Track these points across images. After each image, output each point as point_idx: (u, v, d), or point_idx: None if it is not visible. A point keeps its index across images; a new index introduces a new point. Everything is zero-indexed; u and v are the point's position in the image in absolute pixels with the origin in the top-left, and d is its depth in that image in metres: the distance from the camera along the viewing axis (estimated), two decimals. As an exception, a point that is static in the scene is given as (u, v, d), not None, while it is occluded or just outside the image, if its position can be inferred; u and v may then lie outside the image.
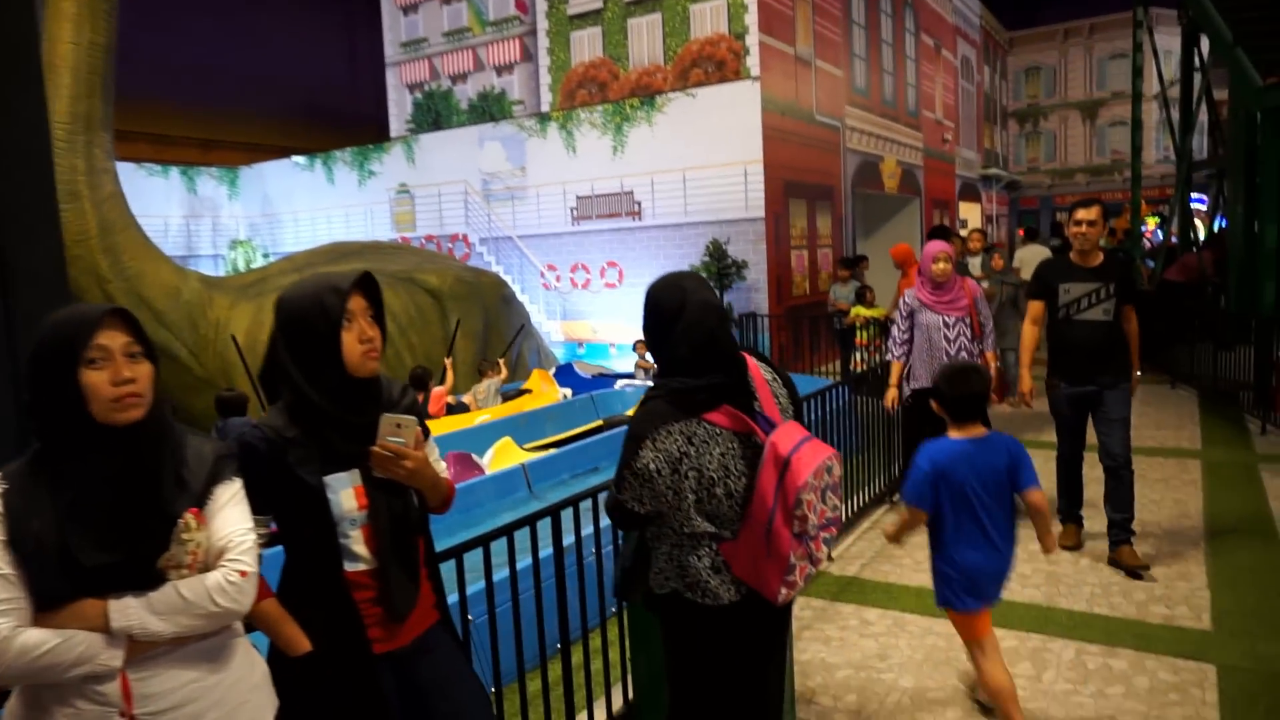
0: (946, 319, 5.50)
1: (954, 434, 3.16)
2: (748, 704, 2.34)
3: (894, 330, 5.76)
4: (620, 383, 10.31)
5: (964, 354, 5.45)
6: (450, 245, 15.74)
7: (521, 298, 14.85)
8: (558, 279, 14.59)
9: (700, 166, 12.87)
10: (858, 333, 10.47)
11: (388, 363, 10.34)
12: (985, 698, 3.45)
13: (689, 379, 2.17)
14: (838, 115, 15.06)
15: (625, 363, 13.50)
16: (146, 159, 18.51)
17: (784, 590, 2.15)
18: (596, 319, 14.19)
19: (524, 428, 8.57)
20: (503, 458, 7.16)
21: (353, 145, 17.04)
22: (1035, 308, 5.01)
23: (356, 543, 2.06)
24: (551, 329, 14.74)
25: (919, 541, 5.50)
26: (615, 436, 7.66)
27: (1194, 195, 16.54)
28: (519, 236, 14.93)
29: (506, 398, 9.99)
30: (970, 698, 3.63)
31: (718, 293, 12.68)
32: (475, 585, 3.19)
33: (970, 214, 22.94)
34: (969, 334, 5.53)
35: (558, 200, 14.43)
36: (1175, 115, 14.11)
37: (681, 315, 2.19)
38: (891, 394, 5.76)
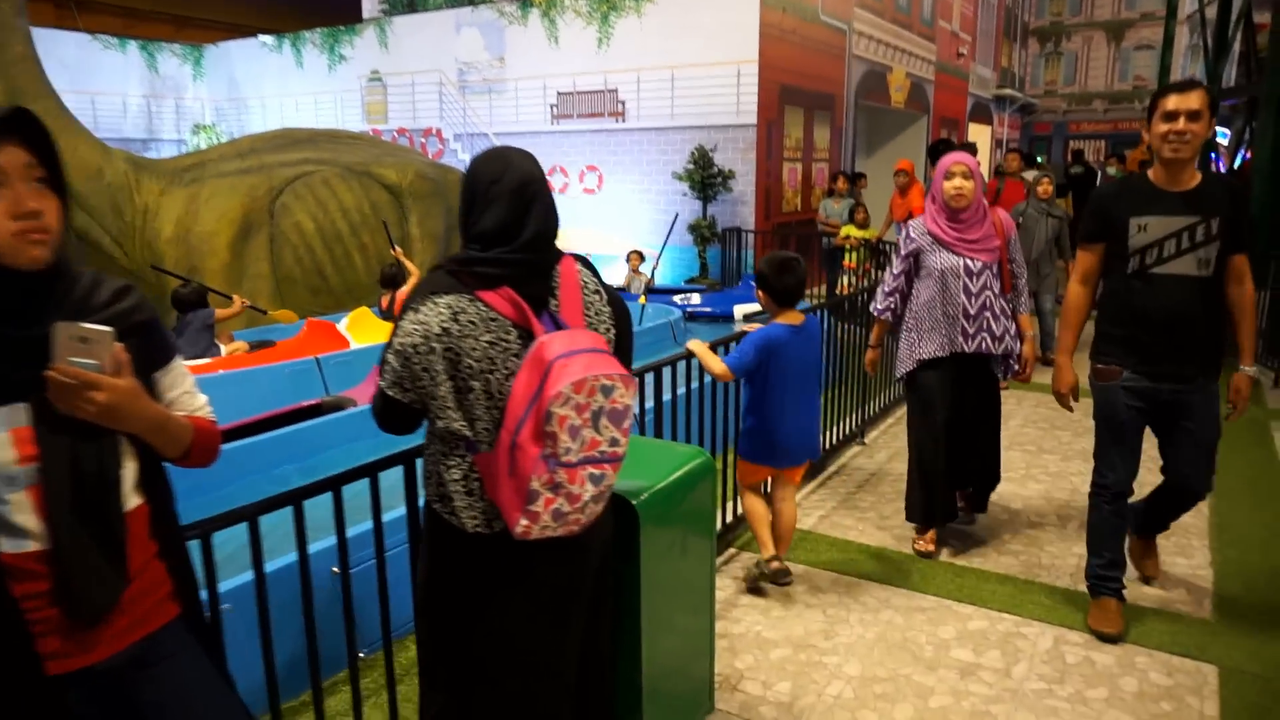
0: (970, 263, 3.94)
1: (779, 320, 3.65)
2: (525, 670, 2.05)
3: (885, 273, 4.40)
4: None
5: (989, 315, 3.96)
6: (423, 140, 14.74)
7: (496, 200, 13.98)
8: (534, 182, 13.69)
9: (690, 65, 11.85)
10: (846, 254, 9.72)
11: (336, 264, 9.59)
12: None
13: (477, 251, 1.94)
14: (845, 17, 13.89)
15: (611, 274, 12.75)
16: (115, 33, 17.24)
17: (524, 522, 1.85)
18: (573, 227, 13.35)
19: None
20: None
21: (324, 26, 15.81)
22: (1088, 259, 3.40)
23: (18, 511, 1.44)
24: (526, 235, 13.92)
25: (888, 492, 5.04)
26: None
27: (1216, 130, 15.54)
28: (495, 134, 13.94)
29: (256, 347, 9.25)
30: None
31: (700, 205, 11.96)
32: (359, 527, 2.69)
33: (980, 136, 21.79)
34: (997, 287, 4.00)
35: (537, 96, 13.40)
36: (1208, 39, 13.03)
37: (495, 185, 1.95)
38: (871, 355, 4.59)
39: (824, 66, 13.26)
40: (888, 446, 5.87)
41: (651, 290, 10.01)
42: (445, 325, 1.84)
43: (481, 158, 2.02)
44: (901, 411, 6.57)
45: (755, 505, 3.86)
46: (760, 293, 3.65)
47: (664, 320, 8.26)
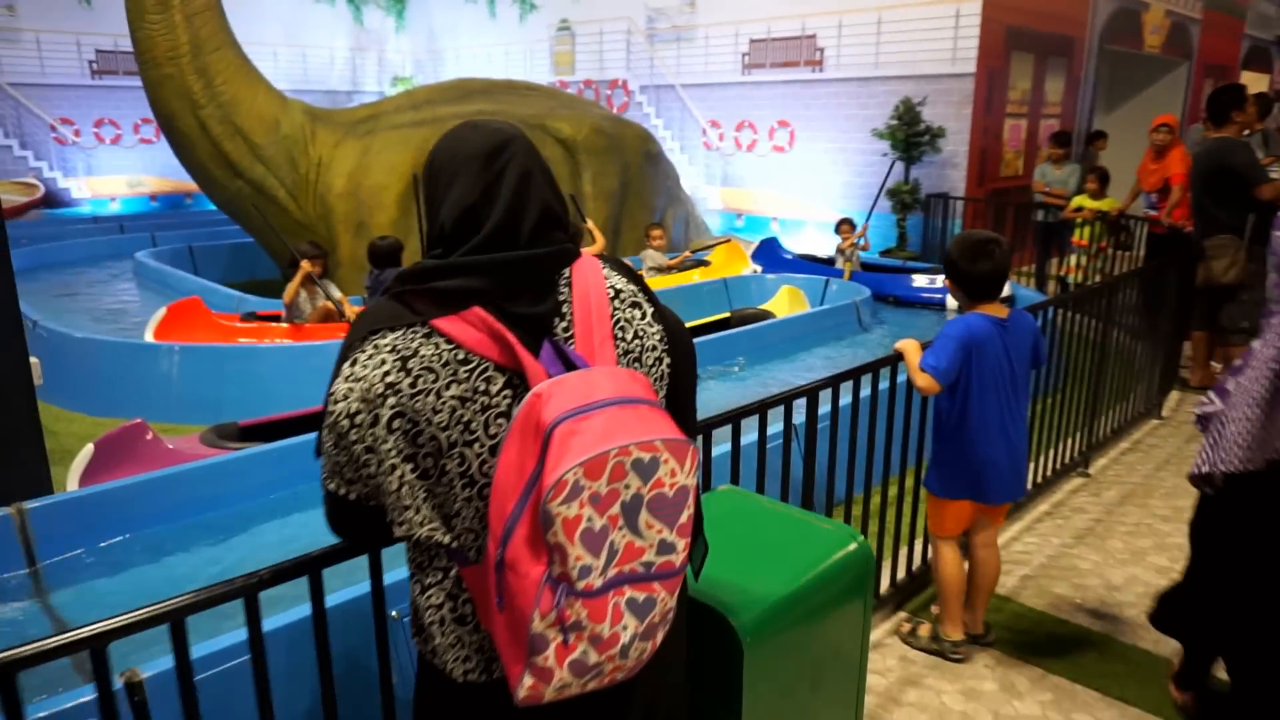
0: None
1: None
2: None
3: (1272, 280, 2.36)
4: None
5: None
6: (609, 93, 14.16)
7: (680, 158, 13.20)
8: (720, 138, 12.76)
9: (901, 4, 10.43)
10: (1076, 230, 8.17)
11: (505, 220, 9.20)
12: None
13: (436, 260, 1.31)
14: (1095, -53, 11.82)
15: (801, 242, 11.76)
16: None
17: (528, 682, 1.18)
18: (760, 187, 12.36)
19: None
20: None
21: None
22: None
23: None
24: (708, 195, 13.06)
25: (1119, 552, 3.85)
26: (731, 338, 6.16)
27: None
28: (682, 85, 13.11)
29: (684, 269, 8.86)
30: None
31: (902, 167, 10.55)
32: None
33: (1255, 86, 18.43)
34: None
35: (728, 44, 12.40)
36: None
37: (456, 158, 1.34)
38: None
39: (1063, 4, 11.35)
40: (1120, 482, 4.64)
41: (865, 268, 8.85)
42: (391, 380, 1.22)
43: (460, 126, 1.41)
44: (1143, 436, 5.26)
45: (951, 565, 3.06)
46: (949, 283, 2.95)
47: (848, 301, 7.21)
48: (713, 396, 5.40)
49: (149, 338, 6.14)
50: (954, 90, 10.20)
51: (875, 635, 3.26)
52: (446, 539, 1.27)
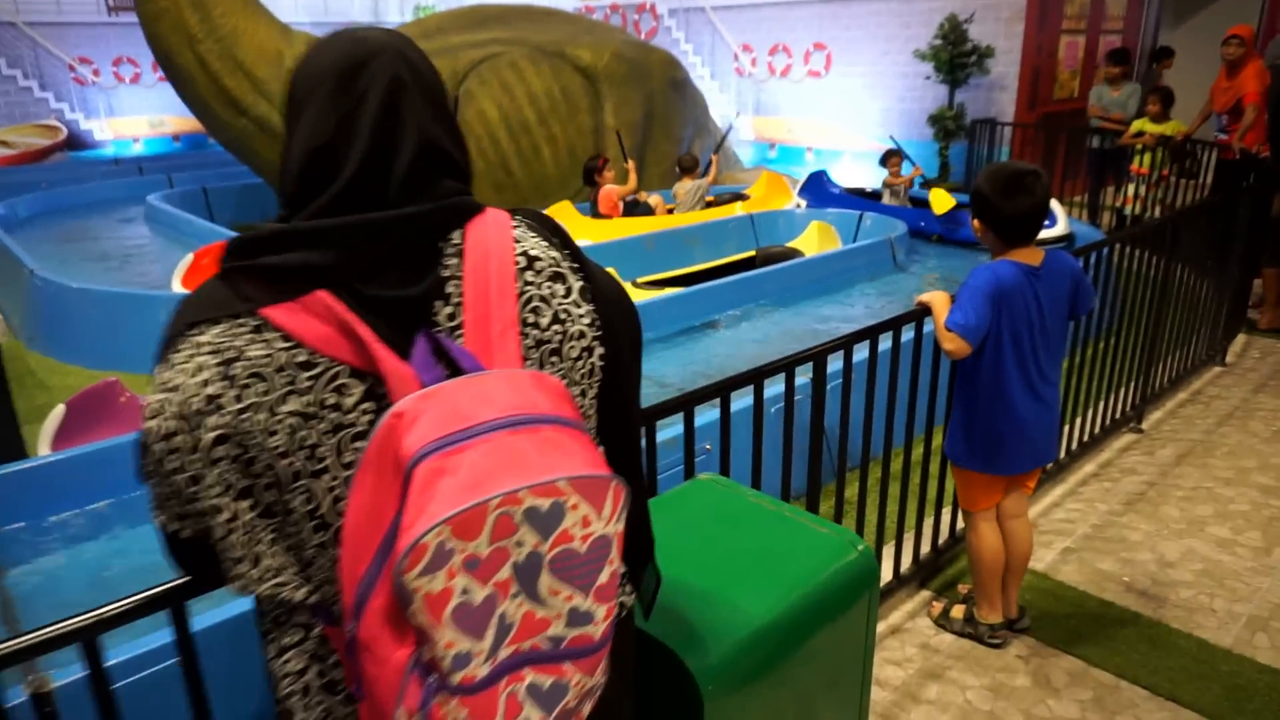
0: None
1: (1008, 258, 2.45)
2: None
3: None
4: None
5: None
6: (636, 17, 13.47)
7: (710, 85, 12.56)
8: (753, 63, 12.09)
9: (948, -89, 9.61)
10: (1135, 157, 7.52)
11: (522, 157, 8.79)
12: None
13: (274, 225, 0.95)
14: None
15: (841, 173, 11.18)
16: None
17: None
18: (794, 115, 11.72)
19: (663, 250, 6.83)
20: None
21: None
22: None
23: None
24: (741, 125, 12.44)
25: (1174, 520, 3.49)
26: (754, 280, 5.76)
27: None
28: (712, 7, 12.39)
29: (720, 202, 8.42)
30: None
31: (947, 91, 9.83)
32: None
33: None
34: None
35: (761, -40, 11.65)
36: None
37: (312, 84, 0.99)
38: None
39: (1129, -93, 10.40)
40: (1178, 439, 4.21)
41: (912, 204, 8.05)
42: (211, 392, 0.92)
43: (326, 38, 1.06)
44: (1204, 385, 4.79)
45: (989, 542, 2.70)
46: (977, 223, 2.49)
47: (882, 237, 6.72)
48: (729, 348, 5.04)
49: (176, 286, 5.86)
50: (1004, 5, 9.43)
51: (895, 618, 2.93)
52: (300, 594, 0.96)
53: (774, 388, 2.46)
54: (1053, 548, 3.31)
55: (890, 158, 8.15)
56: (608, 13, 13.84)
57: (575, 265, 1.07)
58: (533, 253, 1.03)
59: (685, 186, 8.27)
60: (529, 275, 1.02)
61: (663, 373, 4.59)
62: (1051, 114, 9.99)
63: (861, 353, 2.65)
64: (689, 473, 2.12)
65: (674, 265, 6.66)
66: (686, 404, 2.10)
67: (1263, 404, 4.57)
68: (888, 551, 3.07)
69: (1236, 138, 6.44)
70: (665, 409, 2.04)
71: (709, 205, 8.47)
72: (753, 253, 6.87)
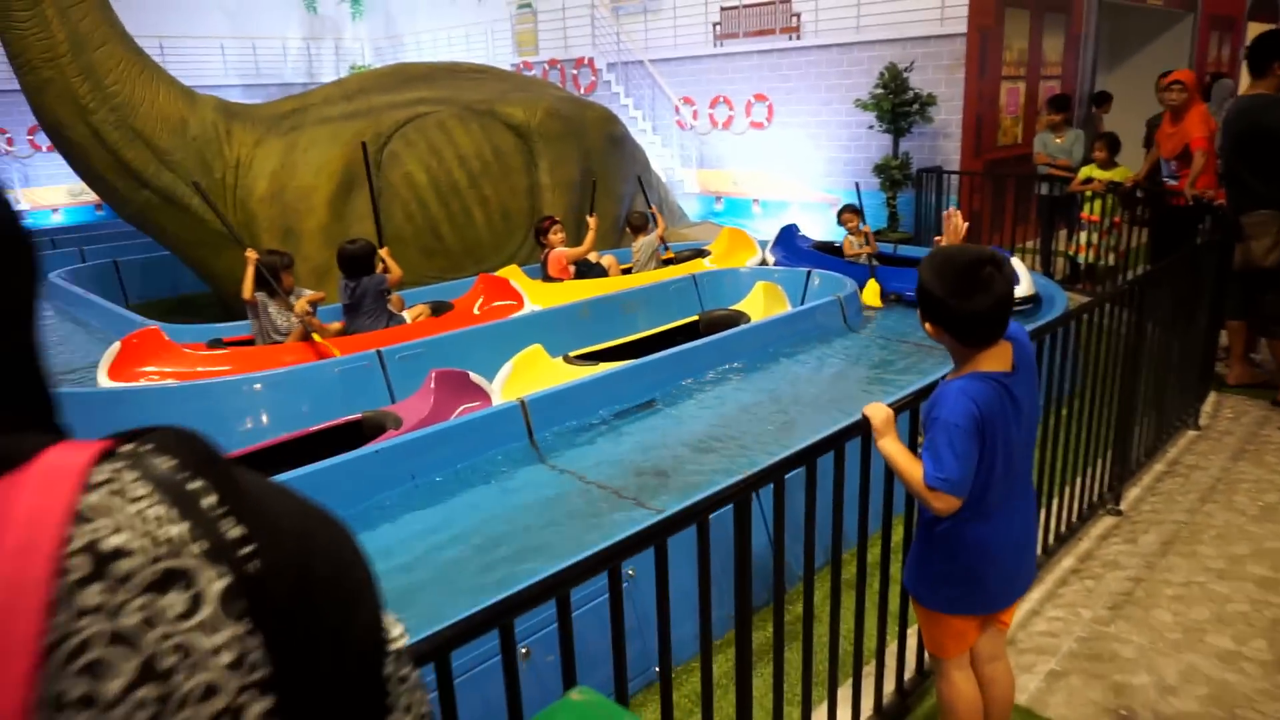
0: None
1: (972, 369, 2.02)
2: None
3: None
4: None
5: None
6: (575, 71, 13.23)
7: (652, 139, 12.29)
8: (695, 116, 11.86)
9: (882, -39, 9.49)
10: (1085, 204, 7.29)
11: (453, 220, 8.34)
12: None
13: None
14: (1092, -111, 10.84)
15: (807, 227, 10.89)
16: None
17: None
18: (738, 167, 11.47)
19: (600, 317, 6.39)
20: (524, 378, 5.02)
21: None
22: None
23: None
24: (685, 178, 12.17)
25: (1168, 628, 3.12)
26: (695, 352, 5.31)
27: None
28: (651, 60, 12.18)
29: (680, 260, 8.18)
30: None
31: (890, 139, 9.65)
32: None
33: (1260, 38, 17.40)
34: None
35: (698, 14, 11.47)
36: None
37: None
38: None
39: (1060, -45, 10.40)
40: (1160, 521, 3.80)
41: (882, 261, 7.56)
42: None
43: None
44: (1180, 454, 4.41)
45: (964, 693, 2.26)
46: (929, 326, 2.06)
47: (830, 297, 6.34)
48: (664, 434, 4.57)
49: (102, 379, 5.25)
50: (944, 53, 9.29)
51: (857, 784, 2.44)
52: None
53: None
54: (1036, 672, 2.85)
55: (845, 213, 7.72)
56: (545, 68, 13.59)
57: (220, 543, 0.57)
58: (112, 544, 0.54)
59: (639, 244, 7.93)
60: (93, 592, 0.52)
61: (587, 467, 4.09)
62: (997, 160, 9.83)
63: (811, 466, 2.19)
64: (570, 680, 1.62)
65: (612, 334, 6.21)
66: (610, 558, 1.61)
67: (1244, 474, 4.20)
68: (843, 695, 2.58)
69: (1187, 184, 6.21)
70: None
71: (667, 263, 8.11)
72: (695, 317, 6.45)
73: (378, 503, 3.73)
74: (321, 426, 4.47)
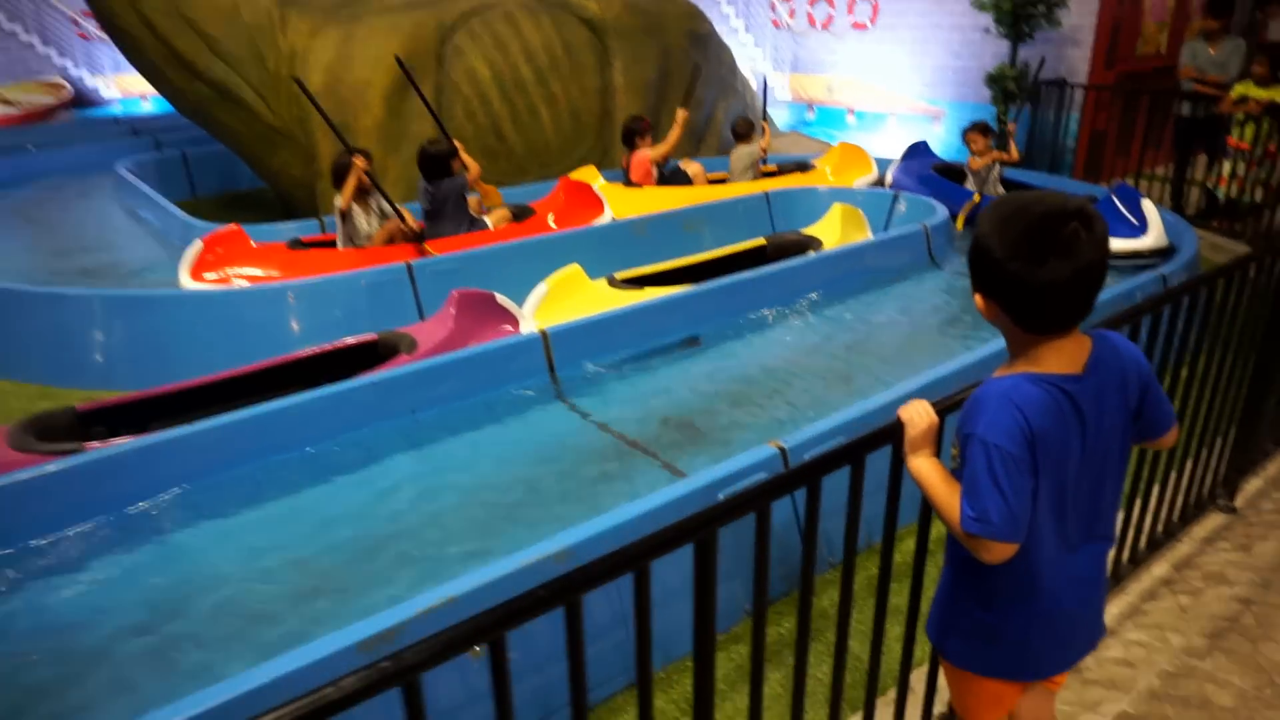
0: None
1: (1026, 367, 1.46)
2: None
3: None
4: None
5: None
6: (667, -37, 12.23)
7: (744, 39, 11.35)
8: (791, 13, 10.84)
9: None
10: (1235, 128, 6.25)
11: (518, 120, 7.83)
12: None
13: None
14: None
15: (885, 143, 9.98)
16: None
17: None
18: (836, 72, 10.49)
19: (659, 235, 5.89)
20: (559, 301, 4.58)
21: None
22: None
23: None
24: (779, 83, 11.24)
25: None
26: (753, 284, 4.75)
27: None
28: (747, -49, 11.15)
29: (784, 173, 7.57)
30: None
31: (1009, 46, 8.49)
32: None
33: None
34: None
35: (803, -104, 10.35)
36: None
37: None
38: None
39: None
40: (1287, 526, 3.14)
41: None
42: None
43: None
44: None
45: None
46: (980, 296, 1.50)
47: (914, 227, 5.62)
48: (700, 379, 4.07)
49: (184, 279, 5.13)
50: (1081, -57, 8.05)
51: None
52: None
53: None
54: (1102, 713, 2.33)
55: (970, 132, 6.71)
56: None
57: None
58: None
59: (739, 153, 7.33)
60: None
61: (610, 412, 3.66)
62: (1133, 74, 8.61)
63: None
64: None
65: (670, 254, 5.69)
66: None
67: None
68: (857, 732, 2.13)
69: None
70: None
71: (767, 175, 7.47)
72: (762, 241, 5.84)
73: (366, 437, 3.40)
74: (334, 345, 4.16)
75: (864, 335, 4.50)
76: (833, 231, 5.80)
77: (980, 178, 6.70)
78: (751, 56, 11.23)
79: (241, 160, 7.76)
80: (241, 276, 5.17)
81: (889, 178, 7.28)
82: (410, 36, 7.32)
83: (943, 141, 9.54)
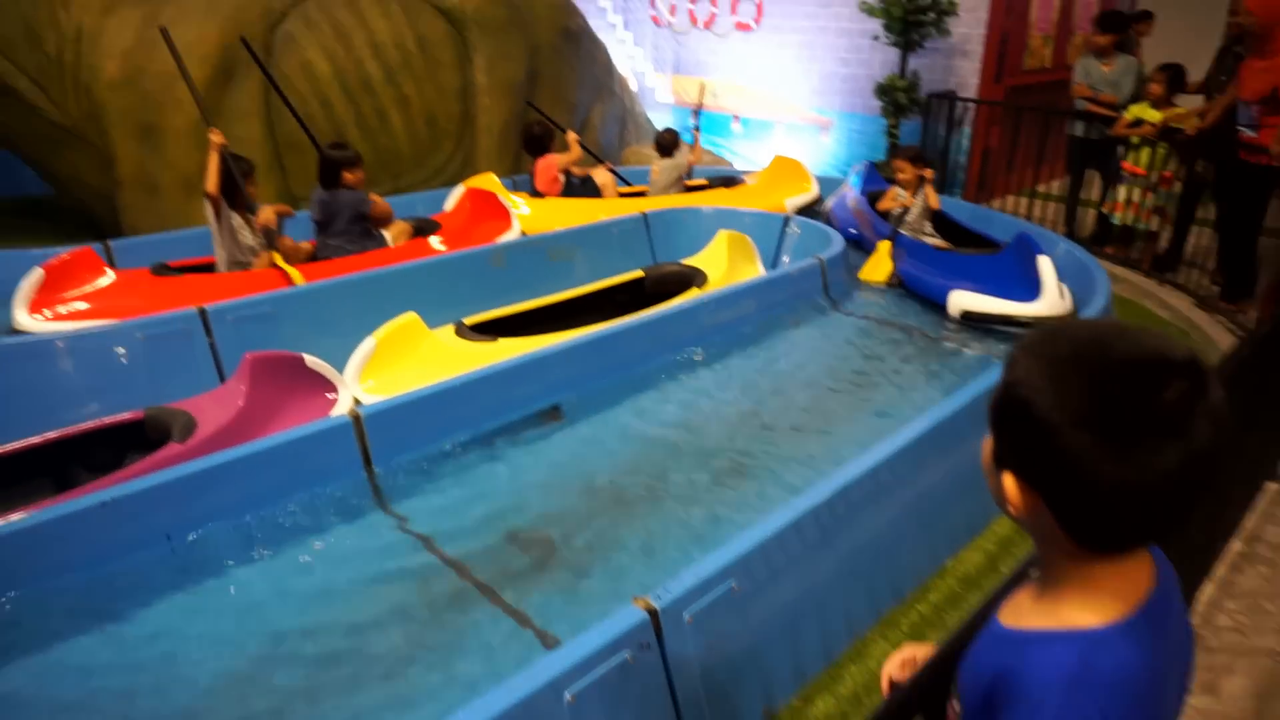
0: None
1: (1081, 608, 0.90)
2: None
3: None
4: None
5: None
6: (540, -50, 11.36)
7: (622, 36, 10.63)
8: (672, 10, 10.19)
9: None
10: (1129, 152, 5.94)
11: (364, 125, 6.85)
12: None
13: None
14: None
15: (760, 150, 9.46)
16: None
17: None
18: (718, 75, 9.89)
19: (519, 266, 5.09)
20: (392, 360, 3.72)
21: None
22: None
23: None
24: (658, 86, 10.58)
25: None
26: (621, 337, 4.01)
27: None
28: (626, -58, 10.41)
29: (713, 188, 6.88)
30: None
31: (900, 55, 8.12)
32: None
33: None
34: None
35: (683, -115, 9.69)
36: None
37: None
38: None
39: None
40: None
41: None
42: None
43: None
44: None
45: None
46: (1010, 481, 0.89)
47: (809, 261, 5.01)
48: (571, 454, 3.32)
49: (19, 316, 4.09)
50: (971, -49, 7.70)
51: None
52: None
53: None
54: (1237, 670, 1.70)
55: (899, 159, 5.77)
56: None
57: None
58: None
59: (662, 165, 6.59)
60: None
61: (442, 523, 2.85)
62: (1020, 87, 8.36)
63: None
64: None
65: (534, 288, 4.90)
66: None
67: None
68: None
69: (1275, 139, 4.88)
70: None
71: (692, 190, 6.75)
72: (640, 273, 5.12)
73: (100, 578, 2.48)
74: (87, 426, 3.18)
75: (757, 401, 3.83)
76: (719, 262, 5.14)
77: (896, 219, 5.73)
78: (630, 55, 10.52)
79: (27, 162, 6.48)
80: (89, 314, 4.19)
81: (829, 203, 6.74)
82: (229, 20, 6.24)
83: (830, 154, 9.09)
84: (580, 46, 8.18)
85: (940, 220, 5.79)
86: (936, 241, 5.57)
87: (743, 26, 9.51)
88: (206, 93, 6.14)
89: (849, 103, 8.82)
